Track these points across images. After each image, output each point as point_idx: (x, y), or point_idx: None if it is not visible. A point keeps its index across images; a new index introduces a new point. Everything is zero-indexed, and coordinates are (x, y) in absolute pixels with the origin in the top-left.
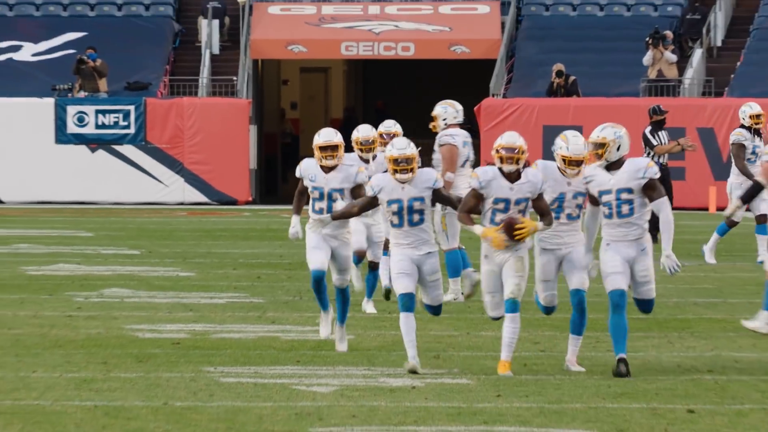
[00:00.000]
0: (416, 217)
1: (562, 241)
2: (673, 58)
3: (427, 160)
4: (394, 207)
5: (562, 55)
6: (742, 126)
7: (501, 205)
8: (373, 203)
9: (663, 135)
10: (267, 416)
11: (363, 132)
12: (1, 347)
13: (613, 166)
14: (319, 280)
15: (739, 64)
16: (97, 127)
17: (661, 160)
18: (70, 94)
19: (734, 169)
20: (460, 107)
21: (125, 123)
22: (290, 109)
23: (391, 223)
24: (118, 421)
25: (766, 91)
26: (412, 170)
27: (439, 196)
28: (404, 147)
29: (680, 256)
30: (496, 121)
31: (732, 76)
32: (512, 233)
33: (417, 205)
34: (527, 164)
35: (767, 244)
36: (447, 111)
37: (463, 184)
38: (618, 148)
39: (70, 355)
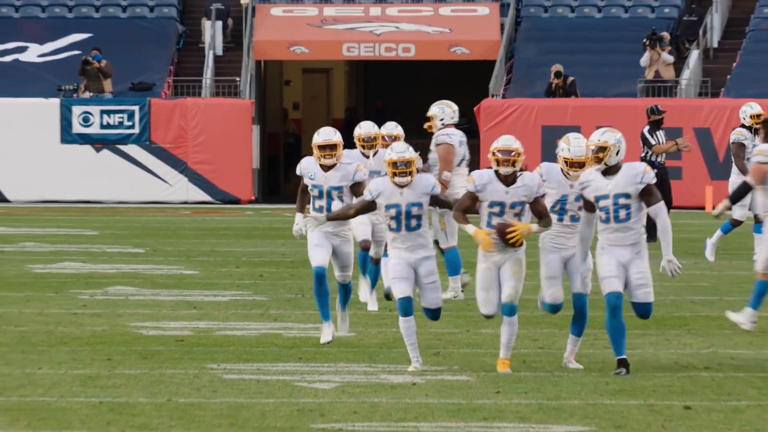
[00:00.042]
0: (414, 222)
1: (566, 243)
2: (670, 59)
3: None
4: (392, 212)
5: (561, 56)
6: (743, 126)
7: (496, 209)
8: (370, 207)
9: (660, 135)
10: (269, 412)
11: (365, 129)
12: (8, 344)
13: (609, 171)
14: (320, 277)
15: (735, 65)
16: (102, 127)
17: (658, 159)
18: (75, 95)
19: (735, 169)
20: (455, 107)
21: (130, 123)
22: (292, 109)
23: (389, 227)
24: (123, 417)
25: (762, 92)
26: (410, 173)
27: (437, 201)
28: (403, 150)
29: (677, 255)
30: (496, 121)
31: (728, 77)
32: (505, 239)
33: (415, 210)
34: (524, 168)
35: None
36: (444, 111)
37: (459, 184)
38: (617, 153)
39: (75, 352)
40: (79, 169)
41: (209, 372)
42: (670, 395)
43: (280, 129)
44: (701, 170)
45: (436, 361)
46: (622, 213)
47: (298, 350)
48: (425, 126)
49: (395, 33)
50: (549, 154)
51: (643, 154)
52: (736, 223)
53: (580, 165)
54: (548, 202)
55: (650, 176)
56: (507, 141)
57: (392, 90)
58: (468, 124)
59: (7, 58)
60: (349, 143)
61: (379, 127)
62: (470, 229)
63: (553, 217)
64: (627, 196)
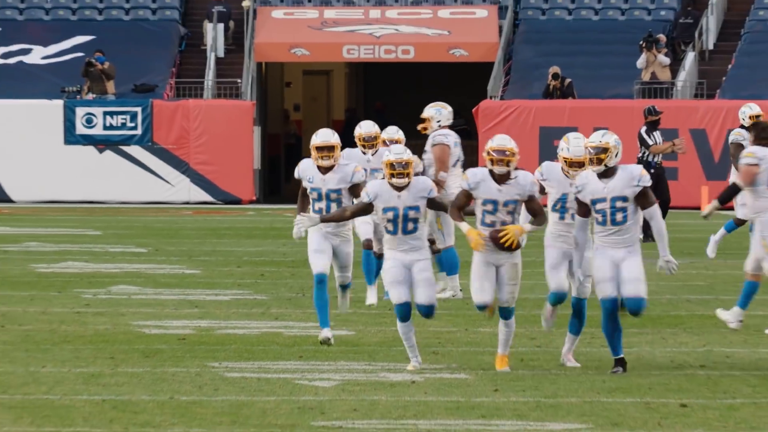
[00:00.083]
0: (410, 225)
1: (568, 240)
2: (666, 60)
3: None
4: (390, 215)
5: (558, 58)
6: (742, 126)
7: (489, 207)
8: (367, 209)
9: (657, 135)
10: (270, 410)
11: (365, 128)
12: (12, 343)
13: (605, 174)
14: (321, 284)
15: (730, 66)
16: (105, 128)
17: (655, 160)
18: (78, 96)
19: (733, 170)
20: (450, 109)
21: (132, 124)
22: (293, 110)
23: (385, 229)
24: (126, 414)
25: (757, 94)
26: (408, 175)
27: (433, 204)
28: (401, 152)
29: (673, 255)
30: (494, 122)
31: (724, 78)
32: (501, 245)
33: (412, 213)
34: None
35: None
36: (441, 113)
37: (454, 184)
38: (616, 155)
39: (78, 351)
40: (83, 170)
41: (211, 370)
42: (666, 393)
43: (281, 130)
44: (697, 171)
45: (435, 359)
46: (619, 216)
47: (299, 349)
48: (419, 127)
49: (395, 35)
50: (546, 154)
51: (640, 155)
52: (740, 222)
53: (580, 165)
54: (549, 201)
55: (647, 179)
56: (502, 141)
57: (392, 91)
58: (466, 125)
59: (12, 60)
60: (349, 143)
61: (379, 127)
62: (464, 227)
63: (555, 215)
64: (624, 199)
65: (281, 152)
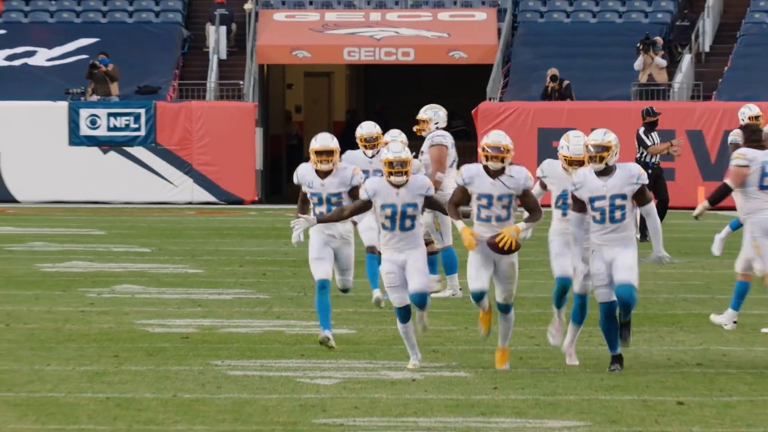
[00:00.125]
0: (408, 222)
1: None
2: (663, 63)
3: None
4: (388, 211)
5: (557, 60)
6: (741, 127)
7: (484, 201)
8: (366, 207)
9: (655, 136)
10: (272, 408)
11: (366, 129)
12: (17, 341)
13: (603, 172)
14: (323, 289)
15: (726, 69)
16: (109, 129)
17: (653, 160)
18: (82, 98)
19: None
20: (445, 111)
21: (136, 125)
22: (294, 112)
23: (383, 225)
24: (129, 412)
25: (752, 95)
26: (406, 173)
27: (430, 203)
28: (399, 151)
29: (671, 254)
30: (493, 123)
31: (720, 80)
32: (500, 249)
33: (410, 211)
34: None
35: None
36: (438, 115)
37: (450, 184)
38: (616, 153)
39: (82, 349)
40: (87, 171)
41: (214, 368)
42: (663, 391)
43: (283, 131)
44: (693, 171)
45: (435, 357)
46: (618, 213)
47: (301, 347)
48: (415, 129)
49: (395, 38)
50: (545, 155)
51: (638, 155)
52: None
53: (580, 163)
54: (552, 198)
55: (645, 177)
56: (497, 137)
57: (392, 93)
58: (465, 126)
59: (17, 62)
60: (350, 144)
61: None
62: (459, 224)
63: (557, 212)
64: (623, 197)
65: (283, 153)
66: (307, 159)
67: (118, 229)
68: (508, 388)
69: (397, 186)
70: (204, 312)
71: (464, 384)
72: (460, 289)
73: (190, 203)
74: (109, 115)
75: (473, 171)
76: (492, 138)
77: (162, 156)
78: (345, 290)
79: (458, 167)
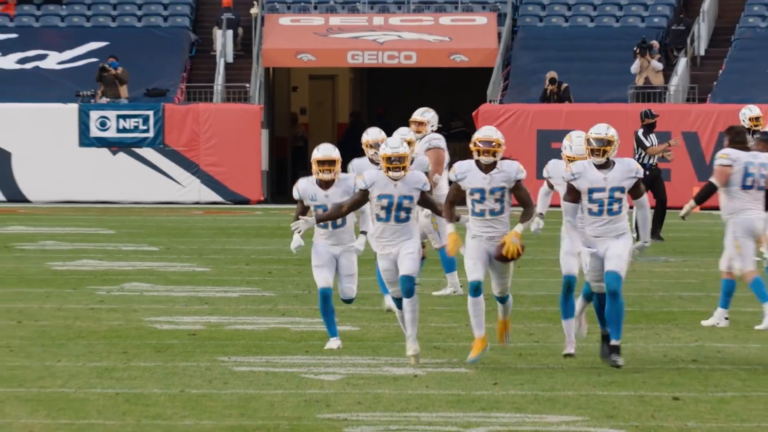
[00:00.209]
0: (403, 214)
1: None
2: (660, 66)
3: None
4: (384, 202)
5: (555, 63)
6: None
7: (477, 195)
8: (363, 199)
9: (653, 137)
10: (278, 403)
11: (372, 135)
12: (28, 338)
13: (603, 165)
14: (326, 297)
15: (721, 72)
16: (118, 131)
17: (651, 161)
18: (92, 100)
19: None
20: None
21: (145, 127)
22: (299, 114)
23: (377, 216)
24: (138, 407)
25: (746, 98)
26: (404, 168)
27: (424, 199)
28: (397, 146)
29: (666, 253)
30: (493, 125)
31: (714, 83)
32: (507, 258)
33: (406, 203)
34: (509, 157)
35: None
36: (435, 117)
37: (445, 185)
38: (616, 149)
39: (92, 346)
40: (97, 171)
41: (220, 364)
42: (660, 387)
43: (289, 133)
44: (689, 172)
45: (437, 354)
46: (615, 206)
47: (305, 344)
48: (414, 130)
49: (397, 41)
50: (544, 156)
51: (636, 156)
52: None
53: None
54: (561, 197)
55: (641, 171)
56: (488, 132)
57: (394, 96)
58: (465, 127)
59: (28, 66)
60: (353, 145)
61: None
62: (449, 228)
63: None
64: (622, 190)
65: (288, 154)
66: (303, 176)
67: (127, 229)
68: (507, 383)
69: (395, 180)
70: (211, 309)
71: (465, 380)
72: (461, 286)
73: (197, 203)
74: (119, 117)
75: (465, 167)
76: (483, 132)
77: (170, 157)
78: (348, 300)
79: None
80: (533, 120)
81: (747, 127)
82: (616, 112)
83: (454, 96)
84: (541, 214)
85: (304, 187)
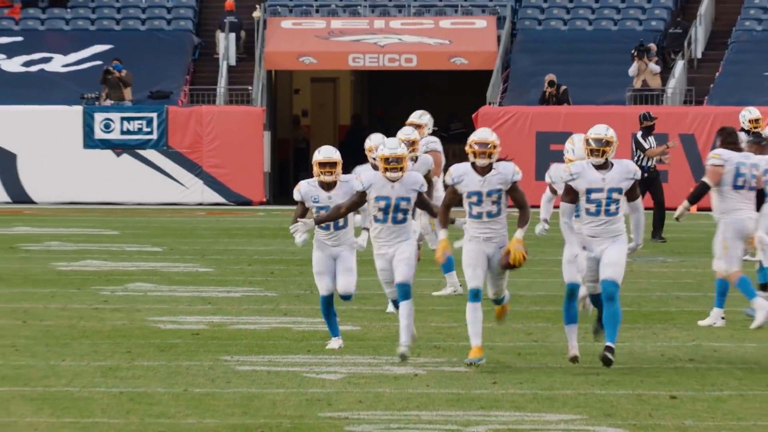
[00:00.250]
0: (400, 215)
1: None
2: (657, 69)
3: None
4: (382, 203)
5: (554, 66)
6: (742, 130)
7: (474, 198)
8: (361, 200)
9: (651, 139)
10: (280, 402)
11: (375, 140)
12: (33, 338)
13: (602, 166)
14: (327, 301)
15: (717, 74)
16: (123, 133)
17: (649, 164)
18: (97, 103)
19: None
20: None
21: (148, 129)
22: (301, 116)
23: (375, 217)
24: (142, 406)
25: (743, 100)
26: (402, 169)
27: (421, 200)
28: (395, 147)
29: (664, 253)
30: (493, 127)
31: (711, 85)
32: (514, 266)
33: (403, 204)
34: (505, 158)
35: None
36: (431, 120)
37: (441, 188)
38: (614, 149)
39: (96, 345)
40: (101, 173)
41: (223, 364)
42: (657, 386)
43: (291, 135)
44: (686, 174)
45: (437, 353)
46: (613, 207)
47: (307, 343)
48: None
49: (398, 44)
50: (543, 158)
51: (635, 159)
52: None
53: None
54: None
55: (639, 173)
56: (483, 134)
57: (395, 98)
58: (464, 129)
59: (33, 68)
60: (354, 146)
61: (381, 133)
62: (442, 234)
63: None
64: (619, 191)
65: (290, 156)
66: (303, 179)
67: (131, 230)
68: (506, 382)
69: (393, 180)
70: (214, 309)
71: (464, 379)
72: (461, 286)
73: (200, 204)
74: (123, 119)
75: (461, 170)
76: (478, 135)
77: (173, 159)
78: (346, 297)
79: (444, 171)
80: (532, 122)
81: (746, 128)
82: (614, 115)
83: (453, 98)
84: (546, 219)
85: (305, 190)
